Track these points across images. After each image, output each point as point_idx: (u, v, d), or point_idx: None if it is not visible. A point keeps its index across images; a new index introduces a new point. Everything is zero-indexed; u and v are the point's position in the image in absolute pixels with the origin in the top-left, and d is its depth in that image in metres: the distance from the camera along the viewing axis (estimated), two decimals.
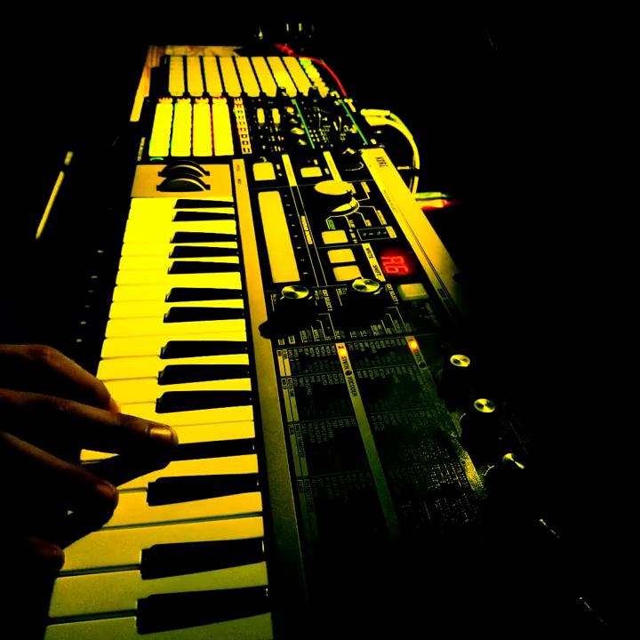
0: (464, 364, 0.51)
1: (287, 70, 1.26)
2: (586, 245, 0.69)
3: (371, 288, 0.59)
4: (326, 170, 0.87)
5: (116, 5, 1.37)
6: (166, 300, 0.61)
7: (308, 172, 0.86)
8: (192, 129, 0.97)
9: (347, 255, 0.69)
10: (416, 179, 1.06)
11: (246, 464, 0.45)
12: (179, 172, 0.81)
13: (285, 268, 0.67)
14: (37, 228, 0.92)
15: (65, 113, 1.16)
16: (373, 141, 0.95)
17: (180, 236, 0.71)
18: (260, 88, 1.15)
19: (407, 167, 1.05)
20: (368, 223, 0.75)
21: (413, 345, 0.56)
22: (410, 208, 0.78)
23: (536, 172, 0.82)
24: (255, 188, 0.82)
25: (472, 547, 0.40)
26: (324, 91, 1.13)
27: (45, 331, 0.65)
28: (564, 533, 0.40)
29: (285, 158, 0.89)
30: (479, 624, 0.37)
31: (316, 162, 0.89)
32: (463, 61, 1.05)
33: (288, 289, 0.59)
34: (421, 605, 0.37)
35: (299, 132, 0.96)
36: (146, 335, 0.57)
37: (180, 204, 0.77)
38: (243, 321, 0.59)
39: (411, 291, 0.64)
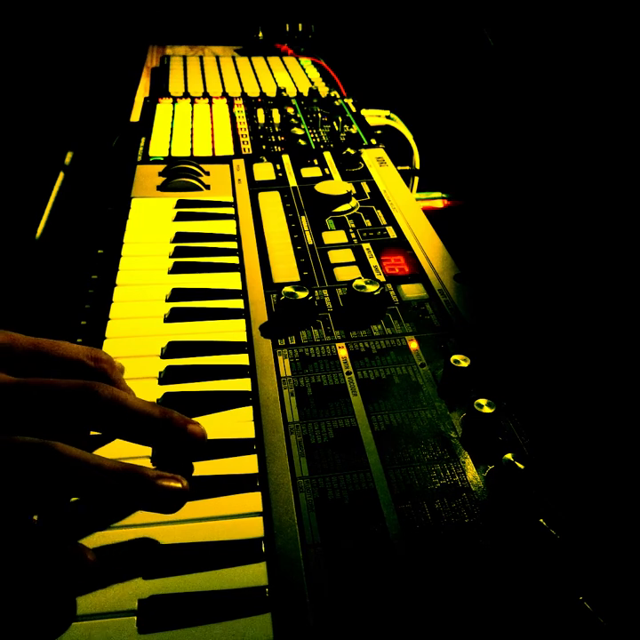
0: (464, 364, 0.51)
1: (287, 70, 1.26)
2: (586, 245, 0.69)
3: (371, 288, 0.59)
4: (326, 170, 0.87)
5: (116, 5, 1.37)
6: (166, 300, 0.61)
7: (308, 172, 0.86)
8: (192, 129, 0.97)
9: (347, 255, 0.69)
10: (416, 179, 1.06)
11: (246, 464, 0.45)
12: (179, 172, 0.82)
13: (285, 268, 0.67)
14: (37, 228, 0.92)
15: (65, 113, 1.16)
16: (373, 141, 0.96)
17: (180, 236, 0.71)
18: (260, 88, 1.15)
19: (407, 167, 1.05)
20: (368, 223, 0.75)
21: (413, 345, 0.56)
22: (410, 208, 0.78)
23: (536, 172, 0.82)
24: (255, 187, 0.82)
25: (472, 547, 0.40)
26: (323, 91, 1.13)
27: (46, 331, 0.65)
28: (563, 533, 0.40)
29: (285, 158, 0.89)
30: (480, 624, 0.37)
31: (316, 162, 0.89)
32: (463, 61, 1.05)
33: (288, 289, 0.59)
34: (422, 605, 0.37)
35: (299, 131, 0.96)
36: (146, 335, 0.57)
37: (180, 204, 0.77)
38: (243, 321, 0.59)
39: (411, 291, 0.64)
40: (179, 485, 0.40)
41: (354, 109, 1.06)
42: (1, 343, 0.41)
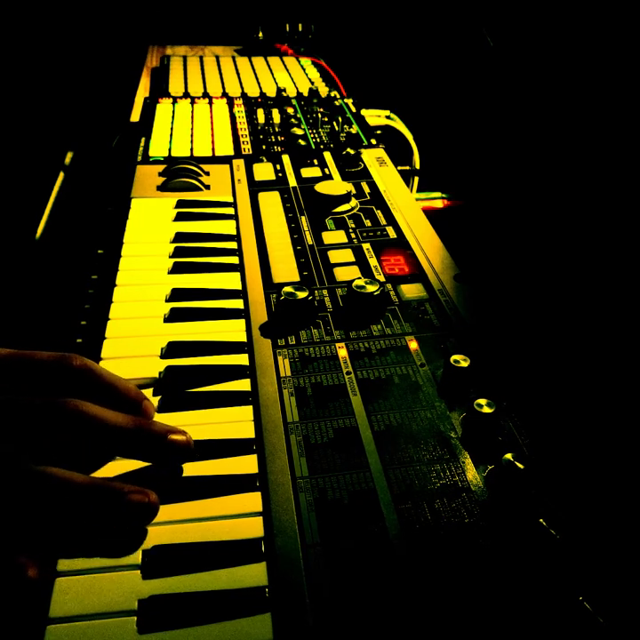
0: (464, 364, 0.51)
1: (287, 70, 1.26)
2: (586, 245, 0.69)
3: (371, 288, 0.59)
4: (326, 170, 0.87)
5: (116, 5, 1.37)
6: (166, 301, 0.61)
7: (307, 172, 0.86)
8: (192, 129, 0.97)
9: (347, 255, 0.69)
10: (416, 179, 1.06)
11: (246, 464, 0.45)
12: (179, 172, 0.81)
13: (285, 268, 0.67)
14: (37, 228, 0.92)
15: (65, 113, 1.16)
16: (373, 141, 0.95)
17: (180, 236, 0.71)
18: (260, 88, 1.15)
19: (407, 167, 1.05)
20: (368, 223, 0.75)
21: (413, 345, 0.56)
22: (410, 208, 0.78)
23: (536, 172, 0.82)
24: (255, 188, 0.82)
25: (472, 547, 0.40)
26: (323, 91, 1.13)
27: (46, 331, 0.65)
28: (563, 533, 0.40)
29: (285, 158, 0.89)
30: (479, 624, 0.37)
31: (315, 162, 0.89)
32: (463, 61, 1.05)
33: (288, 289, 0.59)
34: (421, 605, 0.37)
35: (299, 132, 0.96)
36: (146, 335, 0.57)
37: (180, 204, 0.77)
38: (243, 321, 0.59)
39: (411, 291, 0.64)
40: (145, 499, 0.39)
41: (354, 109, 1.06)
42: None
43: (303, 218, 0.76)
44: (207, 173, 0.84)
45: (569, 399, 0.52)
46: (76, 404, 0.39)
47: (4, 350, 0.42)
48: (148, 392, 0.51)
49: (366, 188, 0.83)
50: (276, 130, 0.99)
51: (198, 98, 1.08)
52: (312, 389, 0.52)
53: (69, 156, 1.07)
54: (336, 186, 0.79)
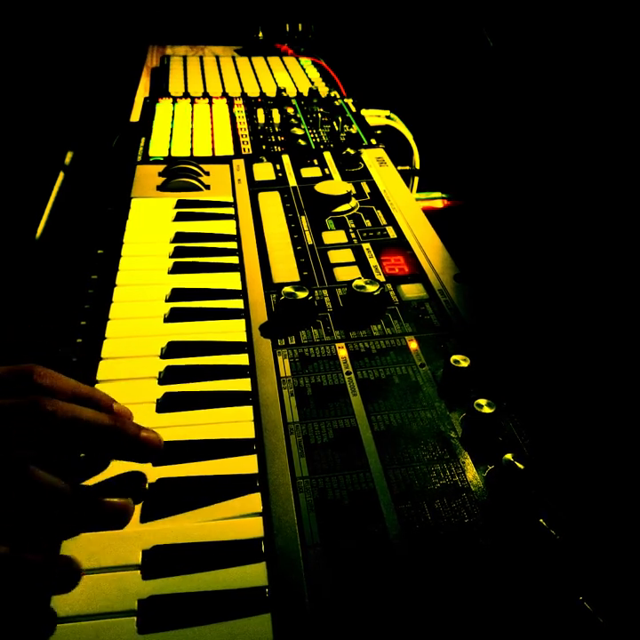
0: (464, 364, 0.51)
1: (287, 70, 1.26)
2: (586, 245, 0.69)
3: (371, 288, 0.59)
4: (326, 170, 0.87)
5: (116, 5, 1.37)
6: (166, 301, 0.61)
7: (307, 172, 0.86)
8: (192, 129, 0.97)
9: (347, 255, 0.69)
10: (416, 179, 1.06)
11: (246, 464, 0.45)
12: (179, 172, 0.81)
13: (285, 268, 0.67)
14: (37, 228, 0.92)
15: (65, 113, 1.16)
16: (373, 141, 0.95)
17: (179, 236, 0.71)
18: (260, 88, 1.15)
19: (407, 167, 1.05)
20: (368, 223, 0.75)
21: (413, 345, 0.56)
22: (410, 208, 0.78)
23: (536, 172, 0.82)
24: (255, 188, 0.82)
25: (472, 547, 0.40)
26: (323, 91, 1.13)
27: (46, 331, 0.65)
28: (563, 533, 0.40)
29: (285, 158, 0.89)
30: (479, 624, 0.37)
31: (315, 162, 0.89)
32: (463, 61, 1.05)
33: (288, 289, 0.59)
34: (421, 605, 0.37)
35: (299, 132, 0.96)
36: (146, 335, 0.57)
37: (180, 204, 0.77)
38: (243, 321, 0.59)
39: (411, 291, 0.64)
40: (121, 507, 0.38)
41: (354, 109, 1.06)
42: None
43: (303, 218, 0.76)
44: (207, 173, 0.84)
45: (569, 399, 0.52)
46: (60, 405, 0.38)
47: None
48: (148, 392, 0.51)
49: (366, 188, 0.83)
50: (276, 130, 0.99)
51: (198, 98, 1.08)
52: (312, 389, 0.52)
53: (69, 155, 1.07)
54: (336, 186, 0.79)
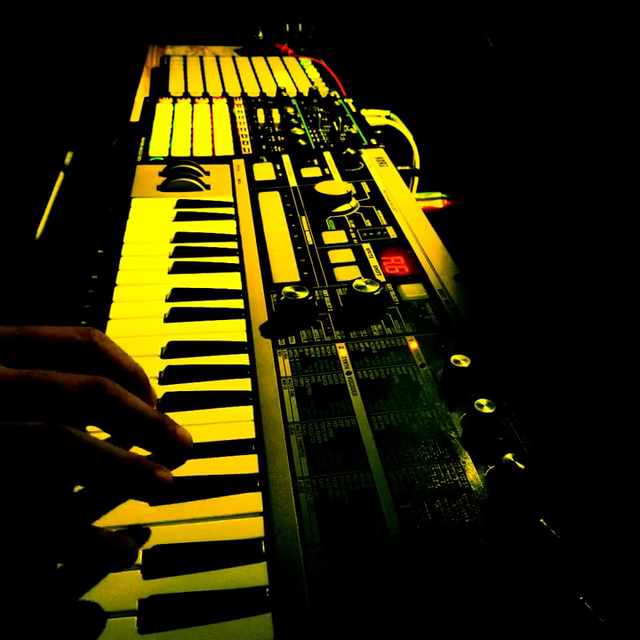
0: (464, 364, 0.51)
1: (287, 70, 1.26)
2: (586, 245, 0.69)
3: (371, 288, 0.59)
4: (326, 170, 0.87)
5: (116, 5, 1.37)
6: (166, 300, 0.61)
7: (308, 172, 0.86)
8: (192, 129, 0.97)
9: (347, 255, 0.69)
10: (416, 179, 1.06)
11: (246, 464, 0.45)
12: (179, 172, 0.81)
13: (285, 268, 0.67)
14: (37, 228, 0.92)
15: (65, 113, 1.16)
16: (373, 141, 0.96)
17: (180, 236, 0.71)
18: (260, 88, 1.15)
19: (407, 167, 1.05)
20: (368, 223, 0.75)
21: (413, 345, 0.56)
22: (410, 208, 0.78)
23: (536, 172, 0.82)
24: (255, 187, 0.82)
25: (472, 547, 0.40)
26: (323, 91, 1.13)
27: None
28: (564, 533, 0.40)
29: (285, 158, 0.89)
30: (479, 624, 0.37)
31: (316, 162, 0.89)
32: (463, 61, 1.05)
33: (288, 289, 0.59)
34: (422, 605, 0.37)
35: (299, 131, 0.96)
36: (146, 335, 0.57)
37: (180, 204, 0.77)
38: (243, 321, 0.59)
39: (411, 291, 0.64)
40: (171, 480, 0.40)
41: (354, 109, 1.06)
42: None
43: (303, 218, 0.76)
44: (207, 173, 0.84)
45: (569, 399, 0.52)
46: (120, 392, 0.40)
47: (6, 327, 0.42)
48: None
49: (366, 188, 0.83)
50: (276, 130, 0.99)
51: (198, 98, 1.08)
52: (312, 389, 0.52)
53: (69, 156, 1.07)
54: (336, 186, 0.79)
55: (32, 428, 0.36)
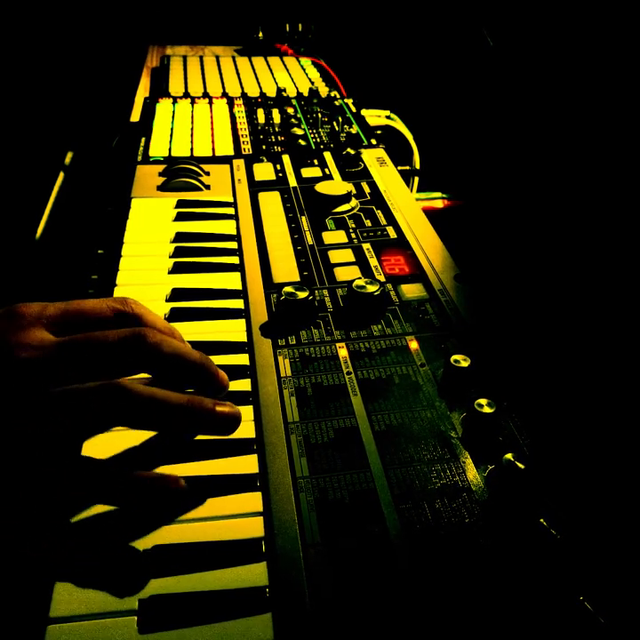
0: (464, 364, 0.51)
1: (287, 70, 1.26)
2: (586, 245, 0.69)
3: (371, 288, 0.59)
4: (326, 170, 0.87)
5: (116, 5, 1.37)
6: (166, 301, 0.61)
7: (308, 172, 0.86)
8: (192, 129, 0.97)
9: (347, 255, 0.69)
10: (416, 179, 1.06)
11: (246, 464, 0.45)
12: (179, 172, 0.81)
13: (286, 268, 0.67)
14: (37, 228, 0.92)
15: (65, 113, 1.16)
16: (373, 141, 0.96)
17: (180, 236, 0.71)
18: (260, 88, 1.15)
19: (407, 167, 1.05)
20: (368, 223, 0.75)
21: (414, 345, 0.56)
22: (410, 208, 0.78)
23: (536, 173, 0.82)
24: (255, 188, 0.82)
25: (472, 547, 0.40)
26: (324, 91, 1.13)
27: None
28: (564, 533, 0.40)
29: (285, 158, 0.89)
30: (479, 624, 0.37)
31: (316, 162, 0.89)
32: (463, 61, 1.05)
33: (288, 289, 0.59)
34: (422, 605, 0.37)
35: (299, 132, 0.96)
36: None
37: (181, 204, 0.77)
38: (243, 321, 0.59)
39: (411, 291, 0.64)
40: (233, 411, 0.45)
41: (354, 109, 1.06)
42: (36, 308, 0.44)
43: (303, 218, 0.76)
44: (207, 173, 0.84)
45: (569, 399, 0.52)
46: (156, 335, 0.42)
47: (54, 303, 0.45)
48: None
49: (366, 188, 0.83)
50: (276, 130, 0.99)
51: (198, 98, 1.08)
52: (312, 389, 0.52)
53: (69, 156, 1.07)
54: (336, 186, 0.79)
55: (90, 388, 0.39)
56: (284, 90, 1.12)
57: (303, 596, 0.37)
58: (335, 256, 0.69)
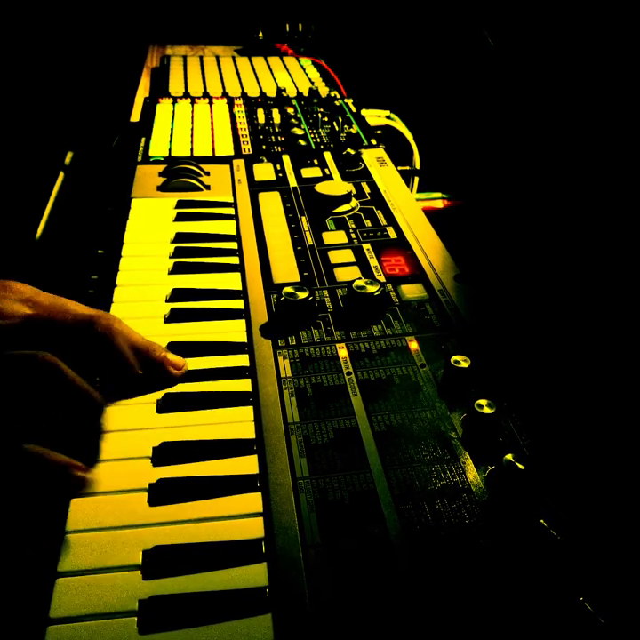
0: (464, 365, 0.51)
1: (287, 70, 1.26)
2: (586, 245, 0.69)
3: (371, 288, 0.59)
4: (326, 170, 0.87)
5: (116, 5, 1.37)
6: (166, 301, 0.61)
7: (308, 173, 0.86)
8: (192, 129, 0.97)
9: (347, 255, 0.69)
10: (416, 179, 1.06)
11: (247, 465, 0.45)
12: (179, 173, 0.81)
13: (286, 269, 0.67)
14: (37, 228, 0.92)
15: (65, 113, 1.16)
16: (373, 141, 0.95)
17: (180, 237, 0.71)
18: (260, 88, 1.15)
19: (407, 167, 1.05)
20: (368, 223, 0.75)
21: (414, 345, 0.56)
22: (410, 208, 0.78)
23: (536, 173, 0.82)
24: (255, 188, 0.82)
25: (472, 547, 0.40)
26: (324, 91, 1.13)
27: None
28: (564, 534, 0.40)
29: (285, 158, 0.89)
30: (480, 624, 0.37)
31: (316, 162, 0.89)
32: (463, 61, 1.05)
33: (288, 289, 0.59)
34: (422, 606, 0.37)
35: (299, 131, 0.96)
36: (146, 335, 0.57)
37: (181, 204, 0.77)
38: (243, 321, 0.59)
39: (411, 291, 0.64)
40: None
41: (354, 109, 1.06)
42: (30, 291, 0.50)
43: (303, 218, 0.76)
44: (207, 173, 0.84)
45: (569, 400, 0.52)
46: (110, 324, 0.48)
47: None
48: (150, 396, 0.51)
49: (366, 188, 0.83)
50: (276, 130, 0.99)
51: (198, 98, 1.08)
52: (312, 390, 0.52)
53: (69, 156, 1.07)
54: (336, 186, 0.79)
55: (23, 354, 0.43)
56: (284, 90, 1.12)
57: (303, 596, 0.37)
58: (335, 256, 0.69)
